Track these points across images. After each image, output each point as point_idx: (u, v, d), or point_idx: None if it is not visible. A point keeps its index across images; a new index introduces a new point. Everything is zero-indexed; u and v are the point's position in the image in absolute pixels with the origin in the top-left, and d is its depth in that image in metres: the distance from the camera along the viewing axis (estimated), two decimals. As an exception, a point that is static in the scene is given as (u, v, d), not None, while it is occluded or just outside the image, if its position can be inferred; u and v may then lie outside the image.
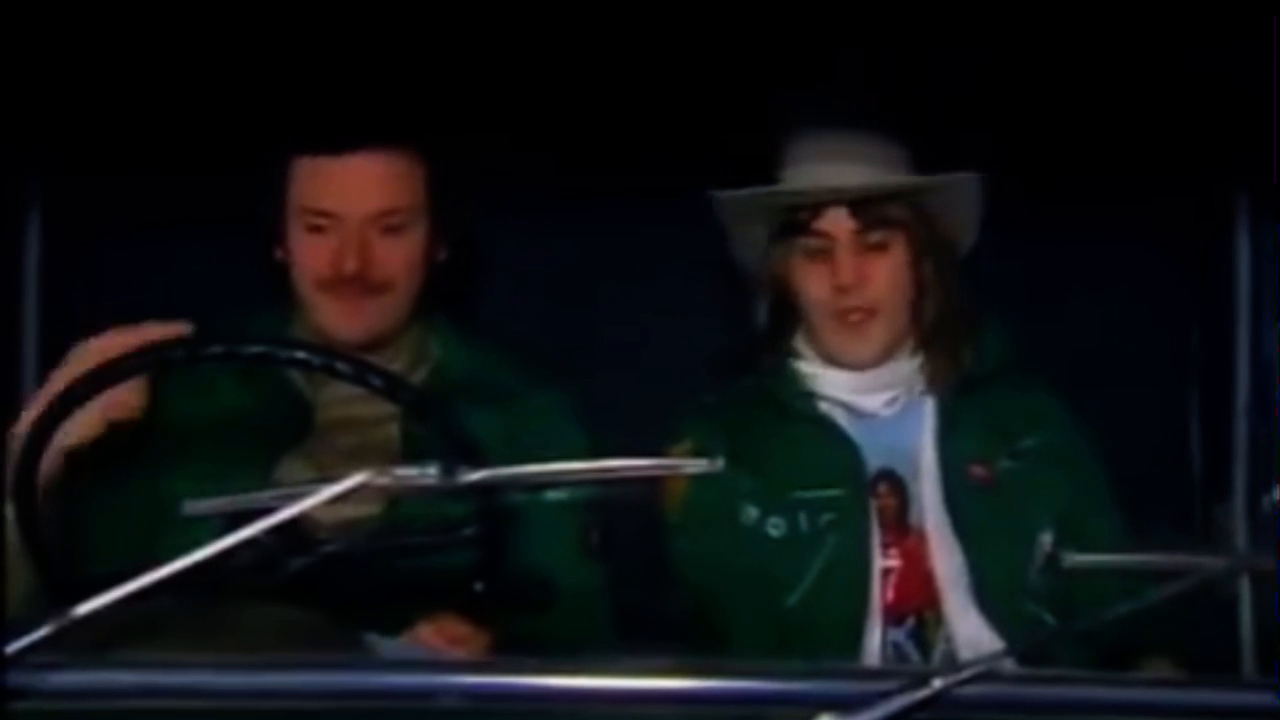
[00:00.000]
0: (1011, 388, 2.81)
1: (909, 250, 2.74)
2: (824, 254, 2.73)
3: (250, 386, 2.66)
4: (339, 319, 2.67)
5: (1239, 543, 2.90)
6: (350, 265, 2.63)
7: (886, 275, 2.74)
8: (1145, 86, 2.73)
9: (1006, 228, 2.79)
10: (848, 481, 2.72)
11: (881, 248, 2.73)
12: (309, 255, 2.68)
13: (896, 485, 2.74)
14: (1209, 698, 1.80)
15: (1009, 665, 1.84)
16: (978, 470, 2.75)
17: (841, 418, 2.77)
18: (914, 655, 2.68)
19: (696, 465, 2.44)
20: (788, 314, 2.82)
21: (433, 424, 2.21)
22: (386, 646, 2.22)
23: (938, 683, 1.69)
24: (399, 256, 2.68)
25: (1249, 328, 2.97)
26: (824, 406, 2.78)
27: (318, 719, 1.73)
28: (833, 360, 2.78)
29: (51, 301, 2.92)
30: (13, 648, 1.71)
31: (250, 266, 2.80)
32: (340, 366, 2.24)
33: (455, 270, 2.80)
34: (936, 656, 2.67)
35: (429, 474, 1.88)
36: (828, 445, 2.75)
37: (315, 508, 1.85)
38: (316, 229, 2.66)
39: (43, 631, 1.73)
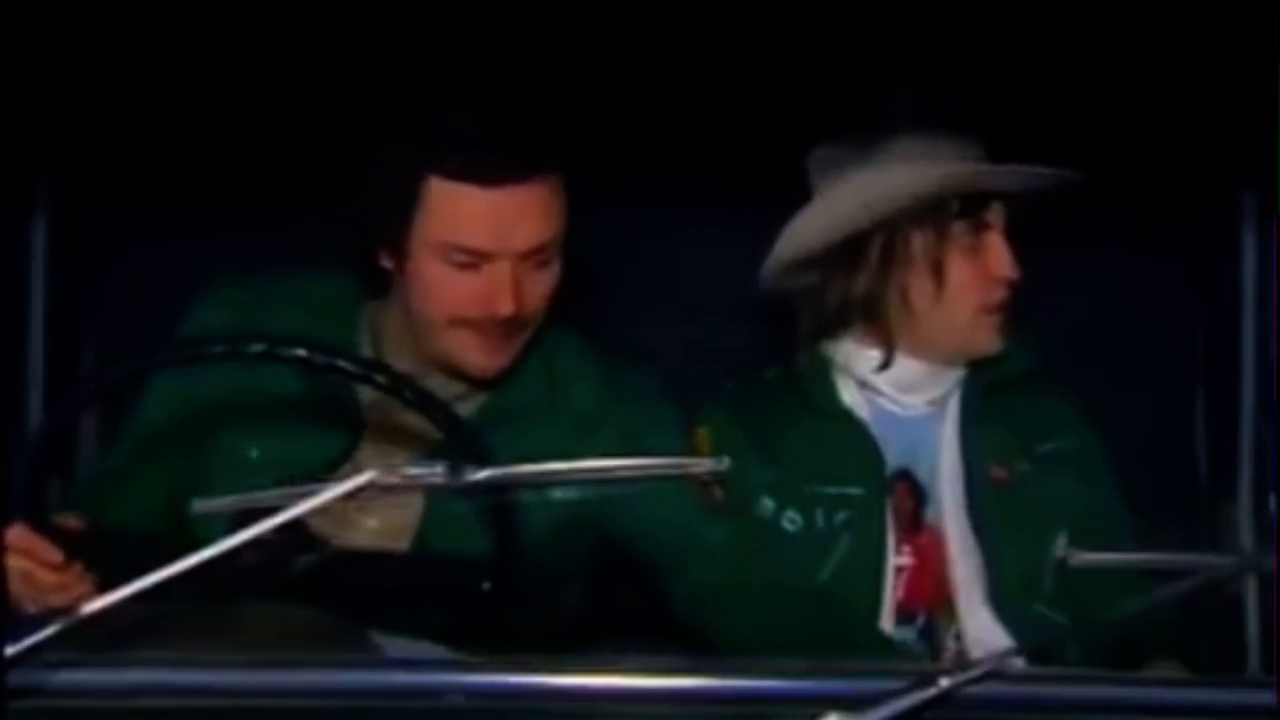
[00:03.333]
0: (1032, 392, 2.81)
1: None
2: (983, 248, 2.70)
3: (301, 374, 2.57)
4: (479, 355, 2.53)
5: (1244, 543, 2.90)
6: (506, 309, 2.47)
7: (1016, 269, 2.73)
8: (1149, 87, 2.73)
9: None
10: (868, 480, 2.72)
11: (1012, 242, 2.72)
12: (453, 290, 2.49)
13: (913, 485, 2.75)
14: (1213, 697, 1.81)
15: (1016, 664, 1.85)
16: (997, 473, 2.75)
17: (866, 415, 2.77)
18: (923, 654, 2.69)
19: (702, 465, 2.44)
20: (874, 306, 2.76)
21: (442, 423, 2.21)
22: (392, 645, 2.22)
23: (945, 681, 1.70)
24: (544, 290, 2.53)
25: (1254, 329, 2.96)
26: (851, 402, 2.77)
27: (324, 717, 1.74)
28: (950, 355, 2.75)
29: (58, 303, 2.92)
30: (18, 647, 1.71)
31: (257, 264, 2.79)
32: (357, 369, 2.24)
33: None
34: (946, 655, 2.67)
35: (436, 472, 1.88)
36: (851, 442, 2.75)
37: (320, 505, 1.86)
38: (465, 265, 2.47)
39: (49, 630, 1.73)
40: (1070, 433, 2.80)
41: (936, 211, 2.70)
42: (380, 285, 2.61)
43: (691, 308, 3.03)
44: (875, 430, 2.76)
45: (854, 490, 2.72)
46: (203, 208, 2.87)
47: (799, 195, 2.80)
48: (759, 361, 2.86)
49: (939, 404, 2.77)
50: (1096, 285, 3.05)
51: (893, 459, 2.75)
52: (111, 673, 1.76)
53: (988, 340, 2.75)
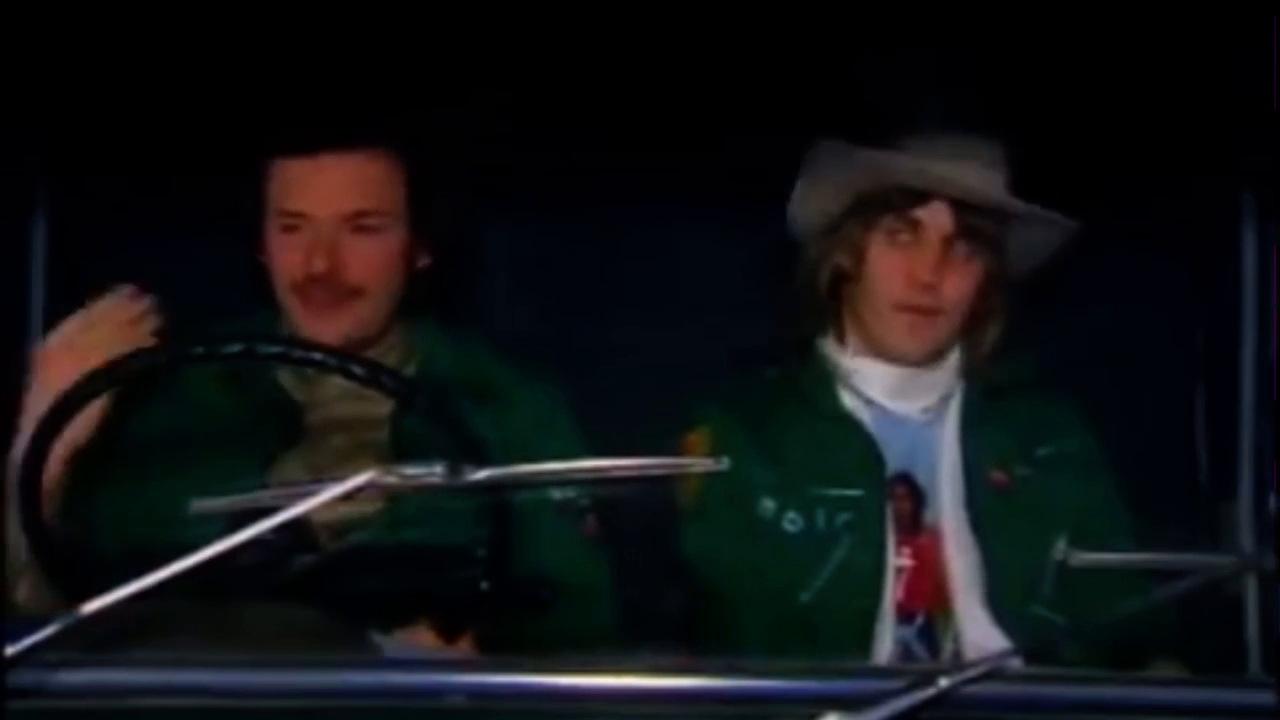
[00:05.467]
0: (1033, 396, 2.82)
1: (987, 269, 2.74)
2: (910, 245, 2.71)
3: (239, 390, 2.65)
4: (310, 321, 2.66)
5: (1244, 542, 2.90)
6: (319, 265, 2.63)
7: (961, 284, 2.72)
8: (1150, 87, 2.73)
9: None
10: (868, 482, 2.73)
11: (966, 257, 2.72)
12: (282, 256, 2.67)
13: (913, 486, 2.75)
14: (1213, 696, 1.81)
15: (1015, 664, 1.85)
16: (997, 475, 2.75)
17: (866, 416, 2.77)
18: (922, 654, 2.69)
19: (702, 465, 2.44)
20: (834, 294, 2.79)
21: (442, 423, 2.21)
22: (391, 645, 2.22)
23: (944, 682, 1.70)
24: (372, 259, 2.67)
25: (1254, 329, 2.97)
26: (851, 404, 2.78)
27: (322, 717, 1.73)
28: (878, 350, 2.76)
29: (58, 303, 2.92)
30: (18, 647, 1.71)
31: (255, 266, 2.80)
32: (355, 369, 2.24)
33: (442, 273, 2.79)
34: (945, 656, 2.67)
35: (434, 472, 1.88)
36: (851, 444, 2.75)
37: (319, 507, 1.85)
38: (289, 229, 2.66)
39: (48, 630, 1.73)
40: (1070, 435, 2.80)
41: (875, 203, 2.71)
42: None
43: (692, 308, 3.03)
44: (875, 432, 2.76)
45: (855, 492, 2.72)
46: (203, 208, 2.87)
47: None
48: (759, 361, 2.86)
49: (936, 409, 2.78)
50: (1096, 285, 3.05)
51: (893, 461, 2.75)
52: (111, 673, 1.76)
53: (900, 339, 2.74)
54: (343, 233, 2.64)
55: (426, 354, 2.76)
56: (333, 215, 2.64)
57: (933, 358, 2.76)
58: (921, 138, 2.73)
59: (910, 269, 2.71)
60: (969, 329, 2.78)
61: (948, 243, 2.70)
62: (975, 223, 2.70)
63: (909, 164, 2.70)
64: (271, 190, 2.68)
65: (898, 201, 2.71)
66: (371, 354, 2.63)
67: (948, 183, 2.68)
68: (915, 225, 2.71)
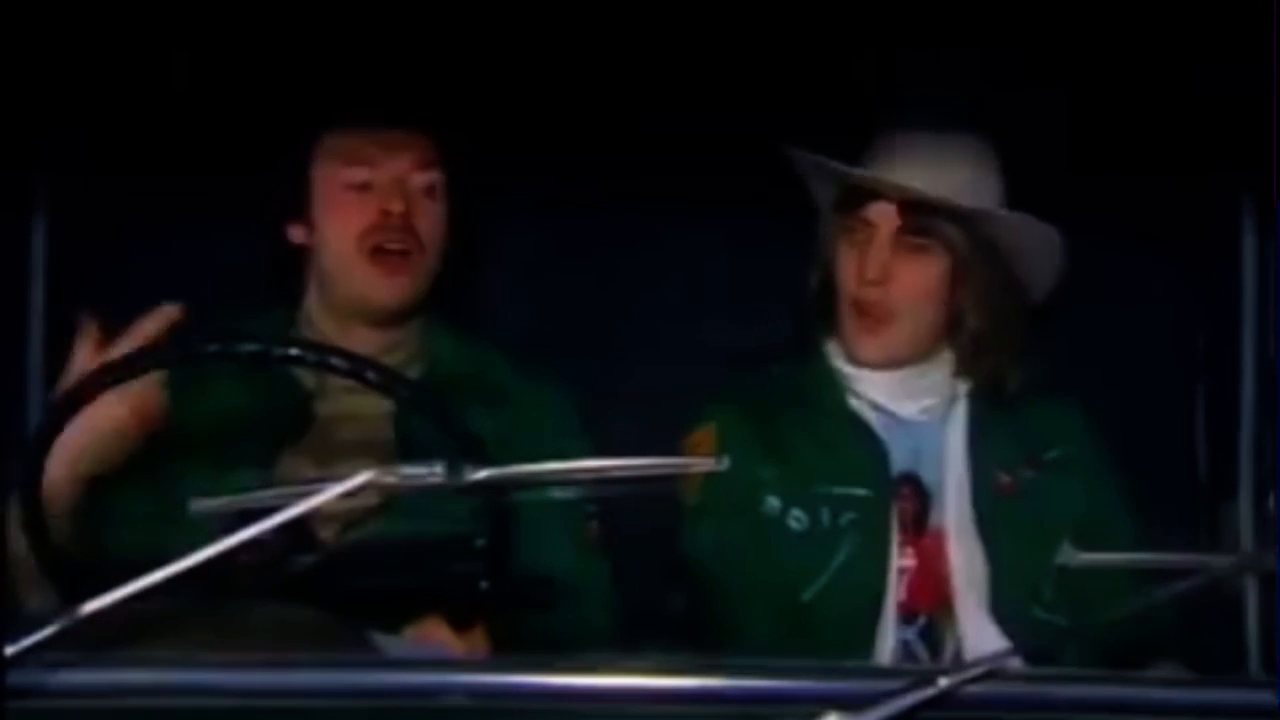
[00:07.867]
0: (1040, 400, 2.82)
1: (950, 264, 2.73)
2: (863, 244, 2.72)
3: (250, 383, 2.65)
4: (380, 280, 2.68)
5: (1244, 543, 2.90)
6: (397, 206, 2.66)
7: (916, 280, 2.72)
8: (1151, 91, 2.73)
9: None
10: (873, 482, 2.73)
11: (920, 251, 2.72)
12: (350, 215, 2.69)
13: (918, 487, 2.75)
14: (1213, 697, 1.81)
15: (1015, 664, 1.85)
16: (1003, 478, 2.75)
17: (872, 416, 2.77)
18: (923, 654, 2.69)
19: (703, 465, 2.44)
20: (825, 294, 2.80)
21: (433, 420, 2.21)
22: (392, 645, 2.22)
23: (944, 682, 1.70)
24: (433, 219, 2.71)
25: (1254, 330, 2.97)
26: (856, 404, 2.78)
27: (323, 717, 1.73)
28: (847, 353, 2.77)
29: (58, 301, 2.92)
30: (19, 646, 1.71)
31: (258, 264, 2.80)
32: (347, 365, 2.24)
33: (455, 268, 2.79)
34: (946, 657, 2.67)
35: (435, 472, 1.88)
36: (857, 444, 2.76)
37: (319, 507, 1.85)
38: (360, 187, 2.69)
39: (49, 630, 1.73)
40: (1075, 439, 2.81)
41: (841, 204, 2.73)
42: (297, 278, 2.74)
43: (696, 307, 3.03)
44: (881, 432, 2.77)
45: (861, 492, 2.73)
46: (202, 208, 2.87)
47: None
48: (765, 360, 2.86)
49: (939, 409, 2.78)
50: (1097, 286, 3.05)
51: (898, 461, 2.75)
52: (111, 673, 1.76)
53: (859, 341, 2.75)
54: (412, 184, 2.69)
55: (433, 353, 2.76)
56: (404, 169, 2.69)
57: (895, 360, 2.76)
58: (916, 141, 2.73)
59: (862, 267, 2.71)
60: (953, 331, 2.78)
61: (896, 239, 2.70)
62: (923, 221, 2.70)
63: (861, 170, 2.71)
64: (324, 163, 2.70)
65: (854, 202, 2.72)
66: (386, 346, 2.64)
67: (884, 184, 2.69)
68: (868, 224, 2.72)
